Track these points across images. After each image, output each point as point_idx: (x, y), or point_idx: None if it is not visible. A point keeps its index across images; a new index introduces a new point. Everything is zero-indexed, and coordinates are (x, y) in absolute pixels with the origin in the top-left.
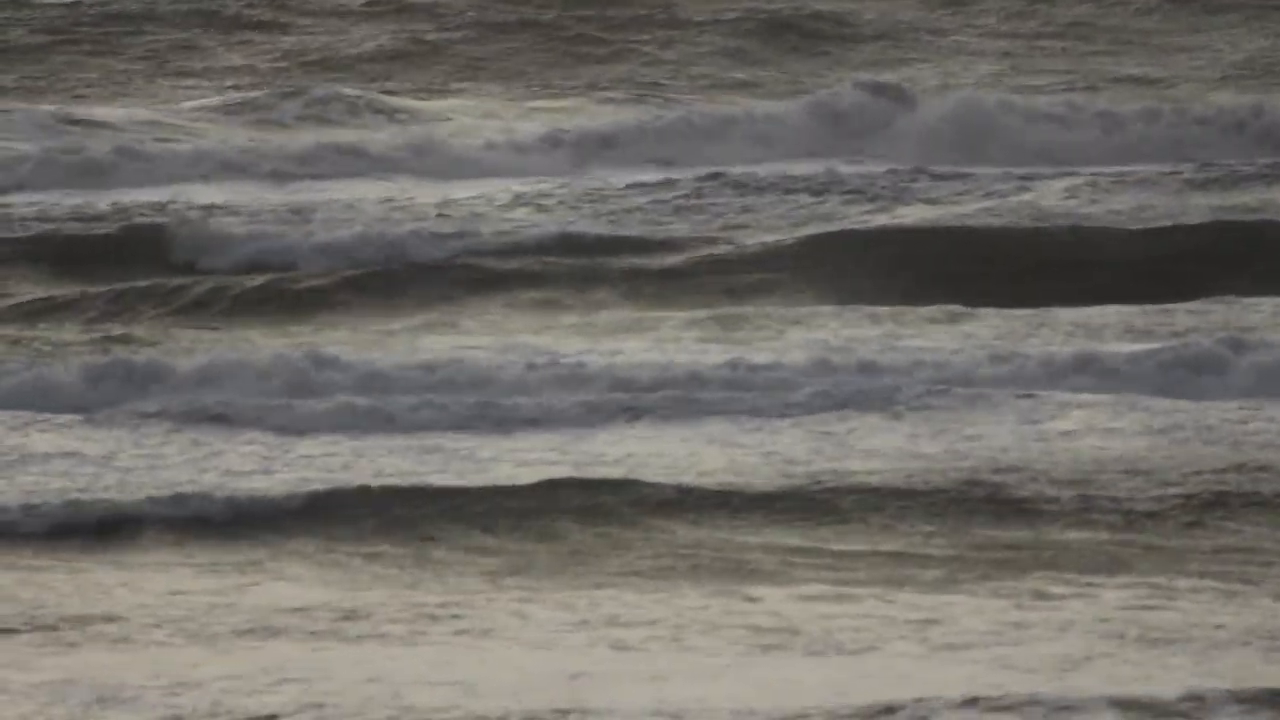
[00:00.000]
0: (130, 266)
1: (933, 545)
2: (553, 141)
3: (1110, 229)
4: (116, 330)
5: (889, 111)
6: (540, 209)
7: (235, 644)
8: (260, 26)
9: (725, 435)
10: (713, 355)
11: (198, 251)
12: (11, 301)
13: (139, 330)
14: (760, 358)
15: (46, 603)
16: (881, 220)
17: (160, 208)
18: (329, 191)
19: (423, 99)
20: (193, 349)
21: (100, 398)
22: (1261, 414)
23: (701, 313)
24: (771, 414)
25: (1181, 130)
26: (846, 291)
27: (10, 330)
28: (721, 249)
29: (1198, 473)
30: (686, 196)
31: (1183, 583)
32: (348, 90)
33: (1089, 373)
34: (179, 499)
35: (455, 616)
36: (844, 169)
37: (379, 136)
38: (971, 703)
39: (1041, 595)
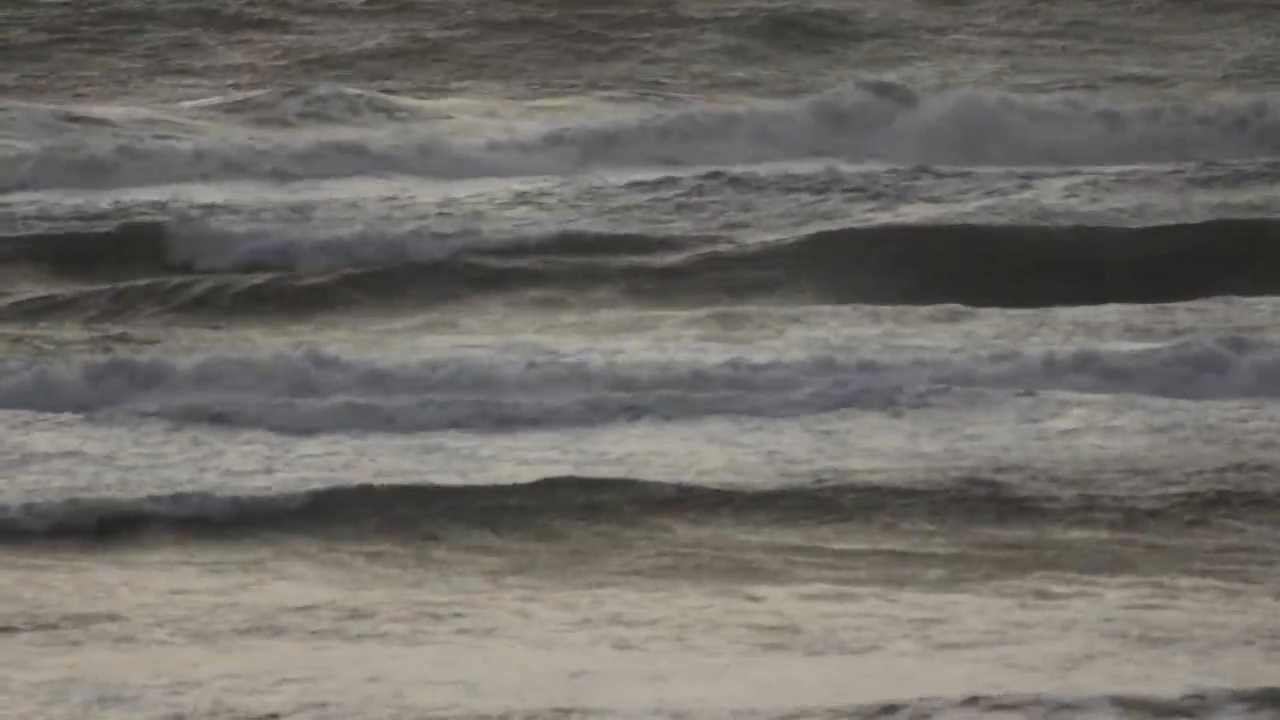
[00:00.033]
0: (131, 265)
1: (934, 544)
2: (554, 140)
3: (1111, 228)
4: (117, 329)
5: (890, 110)
6: (541, 208)
7: (237, 643)
8: (261, 25)
9: (726, 434)
10: (714, 354)
11: (198, 250)
12: (12, 300)
13: (140, 329)
14: (761, 357)
15: (48, 602)
16: (882, 219)
17: (161, 207)
18: (330, 190)
19: (424, 97)
20: (194, 348)
21: (101, 397)
22: (1262, 413)
23: (702, 311)
24: (772, 413)
25: (1183, 129)
26: (847, 290)
27: (11, 329)
28: (723, 248)
29: (1199, 472)
30: (687, 195)
31: (1184, 582)
32: (349, 89)
33: (1090, 372)
34: (180, 498)
35: (457, 616)
36: (845, 168)
37: (380, 135)
38: (973, 702)
39: (1043, 594)
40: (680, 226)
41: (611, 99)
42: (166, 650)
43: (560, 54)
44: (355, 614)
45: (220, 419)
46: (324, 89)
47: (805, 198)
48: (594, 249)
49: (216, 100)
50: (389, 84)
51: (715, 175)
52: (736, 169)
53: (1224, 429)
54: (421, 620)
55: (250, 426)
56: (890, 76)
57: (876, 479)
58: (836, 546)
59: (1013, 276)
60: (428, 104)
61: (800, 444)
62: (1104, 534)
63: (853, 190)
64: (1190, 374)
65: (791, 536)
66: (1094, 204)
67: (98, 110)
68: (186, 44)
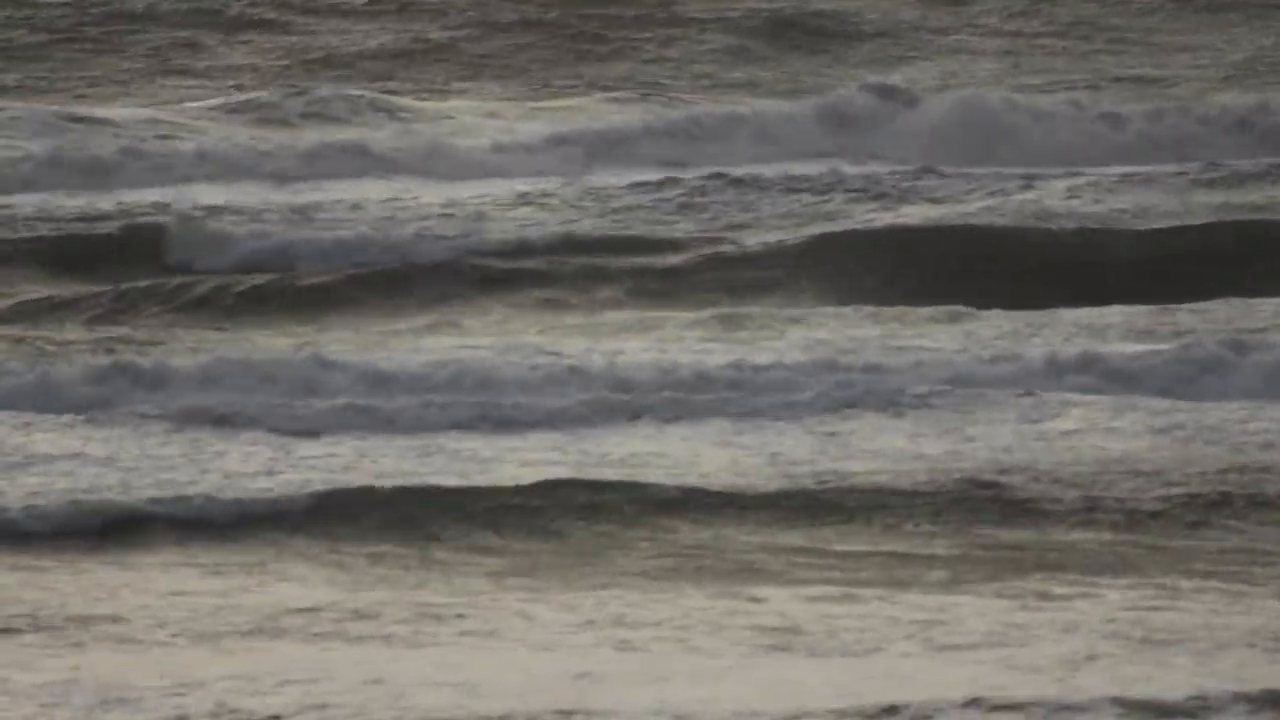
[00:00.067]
0: (133, 266)
1: (936, 546)
2: (556, 141)
3: (1114, 229)
4: (119, 330)
5: (892, 111)
6: (543, 209)
7: (239, 645)
8: (263, 25)
9: (728, 435)
10: (716, 355)
11: (200, 251)
12: (14, 301)
13: (142, 330)
14: (763, 358)
15: (50, 603)
16: (885, 220)
17: (163, 207)
18: (332, 191)
19: (425, 98)
20: (196, 349)
21: (103, 398)
22: (1264, 414)
23: (705, 313)
24: (774, 414)
25: (1185, 130)
26: (849, 291)
27: (13, 330)
28: (725, 249)
29: (1201, 473)
30: (690, 196)
31: (1186, 583)
32: (351, 90)
33: (1092, 373)
34: (182, 499)
35: (459, 617)
36: (847, 168)
37: (382, 136)
38: (975, 703)
39: (1045, 595)
40: (683, 227)
41: (613, 99)
42: (169, 652)
43: (561, 54)
44: (357, 615)
45: (222, 420)
46: (326, 90)
47: (807, 199)
48: (596, 250)
49: (218, 101)
50: (391, 85)
51: (718, 176)
52: (739, 170)
53: (1226, 430)
54: (424, 622)
55: (252, 428)
56: (892, 77)
57: (879, 480)
58: (839, 548)
59: (1015, 277)
60: (430, 105)
61: (802, 445)
62: (1106, 535)
63: (855, 191)
64: (1192, 375)
65: (793, 538)
66: (1096, 205)
67: (100, 111)
68: (188, 44)
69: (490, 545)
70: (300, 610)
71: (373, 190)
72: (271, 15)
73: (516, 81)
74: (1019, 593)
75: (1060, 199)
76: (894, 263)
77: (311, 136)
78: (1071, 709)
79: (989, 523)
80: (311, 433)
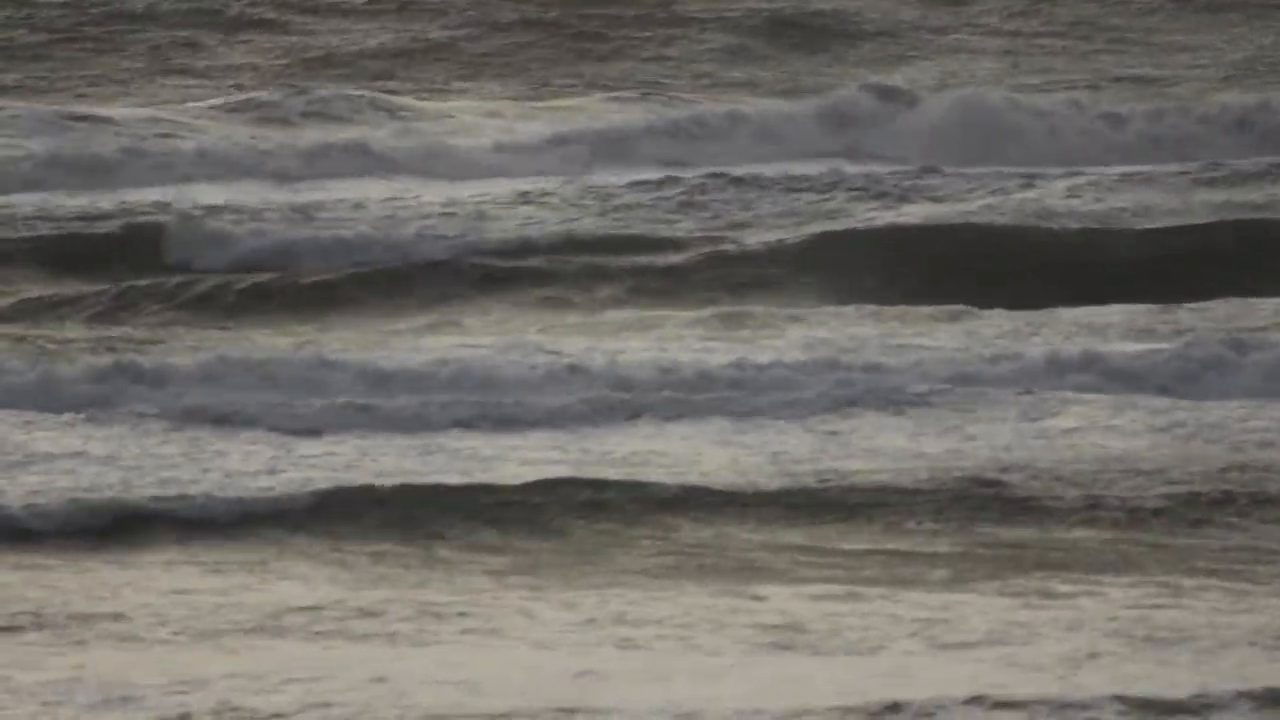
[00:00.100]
0: (134, 265)
1: (938, 544)
2: (557, 140)
3: (1114, 228)
4: (120, 329)
5: (893, 111)
6: (544, 208)
7: (241, 643)
8: (263, 25)
9: (729, 434)
10: (717, 354)
11: (200, 250)
12: (15, 300)
13: (143, 329)
14: (764, 356)
15: (52, 602)
16: (885, 219)
17: (164, 207)
18: (333, 191)
19: (426, 98)
20: (197, 348)
21: (104, 397)
22: (1265, 413)
23: (705, 311)
24: (775, 413)
25: (1185, 129)
26: (850, 290)
27: (14, 329)
28: (726, 248)
29: (1203, 472)
30: (690, 195)
31: (1189, 581)
32: (351, 89)
33: (1093, 372)
34: (184, 498)
35: (461, 615)
36: (848, 168)
37: (382, 135)
38: (977, 701)
39: (1047, 594)
40: (683, 226)
41: (613, 99)
42: (171, 650)
43: (562, 54)
44: (359, 614)
45: (223, 419)
46: (326, 89)
47: (808, 198)
48: (597, 249)
49: (219, 100)
50: (391, 84)
51: (718, 175)
52: (739, 169)
53: (1227, 429)
54: (426, 620)
55: (253, 426)
56: (892, 77)
57: (880, 479)
58: (840, 546)
59: (1015, 276)
60: (430, 104)
61: (803, 444)
62: (1108, 534)
63: (855, 190)
64: (1193, 374)
65: (795, 536)
66: (1097, 204)
67: (100, 110)
68: (189, 44)
69: (492, 544)
70: (302, 609)
71: (373, 189)
72: (271, 15)
73: (517, 81)
74: (1021, 591)
75: (1061, 198)
76: (894, 262)
77: (312, 136)
78: (1074, 707)
79: (991, 521)
80: (313, 431)
